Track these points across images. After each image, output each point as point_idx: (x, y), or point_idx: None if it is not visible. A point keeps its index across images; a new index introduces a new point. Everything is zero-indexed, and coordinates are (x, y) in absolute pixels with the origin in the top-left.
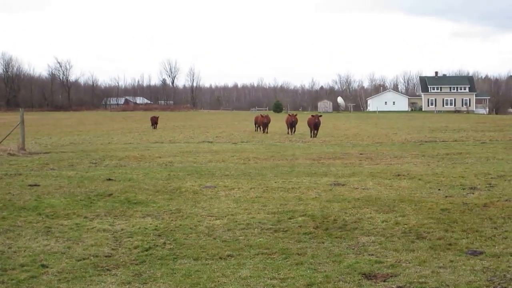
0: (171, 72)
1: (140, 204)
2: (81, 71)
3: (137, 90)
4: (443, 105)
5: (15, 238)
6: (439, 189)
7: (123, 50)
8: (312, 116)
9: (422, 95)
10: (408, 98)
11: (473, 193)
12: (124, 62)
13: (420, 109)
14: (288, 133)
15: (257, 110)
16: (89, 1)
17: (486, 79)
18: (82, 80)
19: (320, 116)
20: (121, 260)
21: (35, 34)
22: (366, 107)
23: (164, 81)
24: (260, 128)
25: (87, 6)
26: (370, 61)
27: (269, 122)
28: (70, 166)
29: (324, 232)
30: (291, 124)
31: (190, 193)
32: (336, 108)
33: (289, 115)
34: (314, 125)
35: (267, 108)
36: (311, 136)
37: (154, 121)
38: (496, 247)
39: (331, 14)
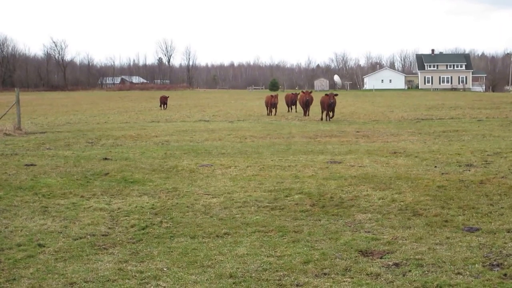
0: (167, 51)
1: (137, 183)
2: (77, 50)
3: (133, 69)
4: (439, 83)
5: (12, 217)
6: (435, 166)
7: (118, 29)
8: (326, 95)
9: (419, 73)
10: (405, 76)
11: (469, 170)
12: (120, 41)
13: (417, 87)
14: (304, 114)
15: (254, 89)
16: None
17: (483, 56)
18: (77, 60)
19: (336, 95)
20: (118, 239)
21: (30, 14)
22: (363, 85)
23: (160, 60)
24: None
25: None
26: (366, 39)
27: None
28: (66, 146)
29: (320, 209)
30: (306, 104)
31: (187, 172)
32: (333, 86)
33: (302, 92)
34: (328, 106)
35: (263, 87)
36: (326, 120)
37: (163, 101)
38: (492, 223)
39: None
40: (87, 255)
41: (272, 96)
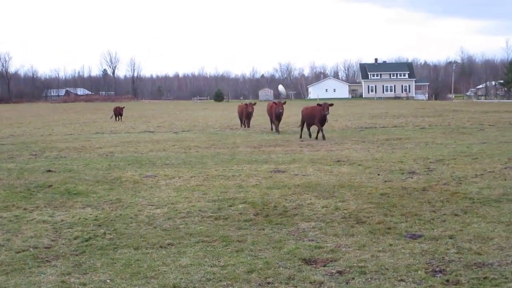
0: (112, 63)
1: (80, 195)
2: (21, 62)
3: (78, 81)
4: (383, 92)
5: None
6: (378, 174)
7: (63, 41)
8: (319, 105)
9: (363, 82)
10: (349, 85)
11: (412, 178)
12: (65, 53)
13: (361, 96)
14: (272, 129)
15: (199, 99)
16: None
17: (425, 65)
18: (22, 72)
19: (331, 105)
20: (61, 251)
21: None
22: (307, 95)
23: (104, 71)
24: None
25: None
26: (310, 49)
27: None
28: (9, 158)
29: (264, 218)
30: (278, 116)
31: (131, 183)
32: (278, 96)
33: (273, 103)
34: (319, 120)
35: (208, 98)
36: (317, 137)
37: (119, 113)
38: (435, 230)
39: (271, 1)
40: (30, 268)
41: (246, 105)
